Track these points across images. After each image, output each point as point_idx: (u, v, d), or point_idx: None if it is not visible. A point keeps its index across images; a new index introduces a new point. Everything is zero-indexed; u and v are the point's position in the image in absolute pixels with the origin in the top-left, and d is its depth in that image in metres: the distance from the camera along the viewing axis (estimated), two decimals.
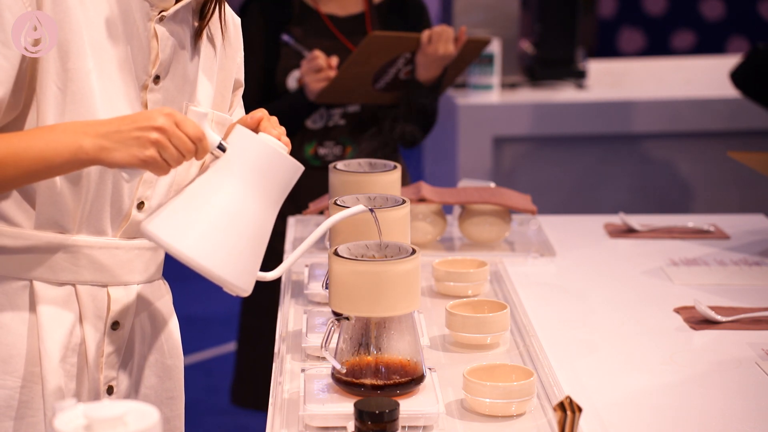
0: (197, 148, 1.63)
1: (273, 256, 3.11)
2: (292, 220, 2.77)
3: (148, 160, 1.60)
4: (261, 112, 1.74)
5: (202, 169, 1.70)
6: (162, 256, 1.86)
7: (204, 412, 4.27)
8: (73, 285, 1.76)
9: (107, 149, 1.60)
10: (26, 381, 1.74)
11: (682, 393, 1.86)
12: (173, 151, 1.61)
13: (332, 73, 3.03)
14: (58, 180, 1.69)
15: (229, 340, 4.64)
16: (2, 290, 1.73)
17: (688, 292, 2.34)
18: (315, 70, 3.02)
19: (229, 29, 1.88)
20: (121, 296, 1.79)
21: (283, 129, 1.76)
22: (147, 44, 1.75)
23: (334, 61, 3.03)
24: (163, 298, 1.90)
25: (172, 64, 1.78)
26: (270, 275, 1.74)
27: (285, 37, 3.10)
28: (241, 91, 1.94)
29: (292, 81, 3.12)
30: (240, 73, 1.92)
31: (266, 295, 3.22)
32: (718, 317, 2.16)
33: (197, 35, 1.82)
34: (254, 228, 1.67)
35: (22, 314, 1.73)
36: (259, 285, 3.53)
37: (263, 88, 3.13)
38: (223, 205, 1.65)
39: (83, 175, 1.70)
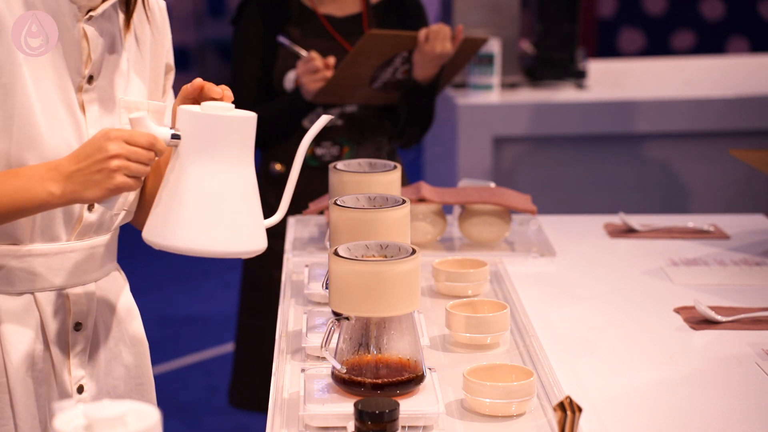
0: (155, 152, 1.67)
1: (273, 256, 3.12)
2: (292, 220, 2.77)
3: (120, 186, 1.65)
4: (198, 81, 1.75)
5: (169, 164, 1.72)
6: (116, 247, 1.90)
7: (204, 412, 4.27)
8: (32, 293, 1.79)
9: (77, 191, 1.65)
10: None
11: (682, 393, 1.86)
12: (136, 167, 1.65)
13: (329, 74, 3.03)
14: None
15: (229, 340, 4.64)
16: None
17: (688, 292, 2.34)
18: (311, 71, 3.01)
19: (155, 15, 1.91)
20: (80, 297, 1.83)
21: (224, 87, 1.76)
22: (78, 45, 1.78)
23: (332, 60, 3.03)
24: (120, 288, 1.93)
25: (104, 62, 1.81)
26: (273, 219, 1.77)
27: (281, 39, 3.10)
28: (172, 74, 1.96)
29: (289, 81, 3.11)
30: (170, 57, 1.95)
31: (264, 296, 3.23)
32: (718, 317, 2.16)
33: (125, 27, 1.84)
34: (236, 192, 1.70)
35: None
36: (259, 285, 3.52)
37: (260, 89, 3.13)
38: (199, 187, 1.69)
39: None
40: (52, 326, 1.80)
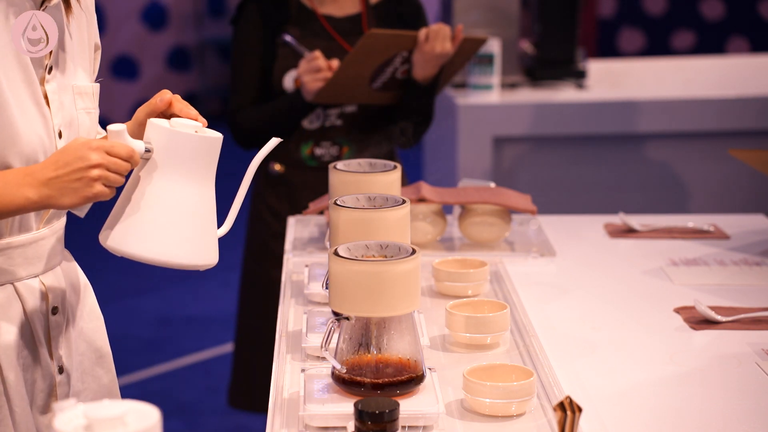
0: (132, 163, 1.72)
1: (273, 256, 3.12)
2: (292, 220, 2.77)
3: (96, 195, 1.71)
4: (169, 94, 1.81)
5: (133, 175, 1.77)
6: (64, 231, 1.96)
7: (204, 412, 4.27)
8: (12, 283, 1.84)
9: (54, 197, 1.70)
10: None
11: (682, 393, 1.87)
12: (114, 177, 1.71)
13: (330, 74, 3.03)
14: None
15: (229, 340, 4.64)
16: None
17: (688, 292, 2.34)
18: (314, 70, 3.01)
19: None
20: (52, 282, 1.90)
21: (193, 110, 1.81)
22: None
23: (335, 63, 3.03)
24: (74, 268, 2.00)
25: (59, 51, 1.85)
26: (221, 231, 1.84)
27: (287, 37, 3.10)
28: (99, 53, 1.99)
29: (288, 81, 3.11)
30: (97, 37, 1.98)
31: (264, 297, 3.23)
32: (718, 317, 2.16)
33: (66, 12, 1.87)
34: (198, 208, 1.77)
35: None
36: (258, 285, 3.52)
37: (260, 89, 3.13)
38: (163, 201, 1.74)
39: None
40: (33, 313, 1.86)
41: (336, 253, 1.74)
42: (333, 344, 1.75)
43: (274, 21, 3.13)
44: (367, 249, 1.79)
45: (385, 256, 1.78)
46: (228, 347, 4.70)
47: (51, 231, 1.89)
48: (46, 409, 1.89)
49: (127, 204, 1.76)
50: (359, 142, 3.16)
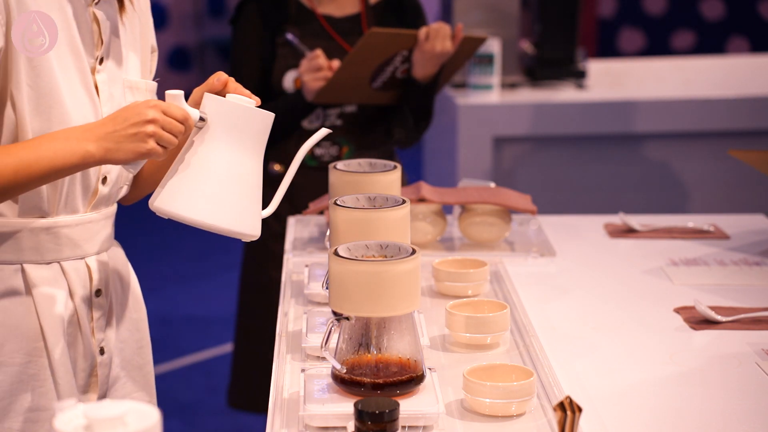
0: (185, 126, 1.78)
1: (272, 256, 3.12)
2: (291, 220, 2.77)
3: (150, 152, 1.76)
4: (225, 75, 1.87)
5: (187, 143, 1.83)
6: (114, 221, 2.03)
7: (204, 412, 4.27)
8: (59, 262, 1.92)
9: (111, 150, 1.76)
10: (31, 356, 1.89)
11: (682, 393, 1.87)
12: (168, 136, 1.77)
13: (330, 74, 3.03)
14: None
15: (229, 340, 4.64)
16: None
17: (688, 292, 2.34)
18: (315, 69, 3.01)
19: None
20: (99, 265, 1.97)
21: (247, 90, 1.88)
22: (89, 29, 1.90)
23: (335, 63, 3.03)
24: (122, 257, 2.07)
25: (111, 44, 1.94)
26: (266, 212, 1.86)
27: (289, 36, 3.10)
28: (156, 55, 2.09)
29: (288, 81, 3.11)
30: (153, 39, 2.08)
31: (263, 297, 3.23)
32: (718, 317, 2.16)
33: (120, 10, 1.97)
34: (249, 178, 1.82)
35: (19, 296, 1.89)
36: (258, 286, 3.52)
37: (259, 89, 3.13)
38: (217, 167, 1.79)
39: None
40: (78, 293, 1.93)
41: (336, 253, 1.74)
42: (333, 344, 1.75)
43: (274, 21, 3.13)
44: (367, 249, 1.79)
45: (385, 256, 1.78)
46: (228, 347, 4.70)
47: (99, 216, 1.96)
48: (86, 388, 1.97)
49: (177, 168, 1.80)
50: (359, 142, 3.16)
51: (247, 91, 1.86)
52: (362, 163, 2.25)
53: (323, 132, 1.89)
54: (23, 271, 1.89)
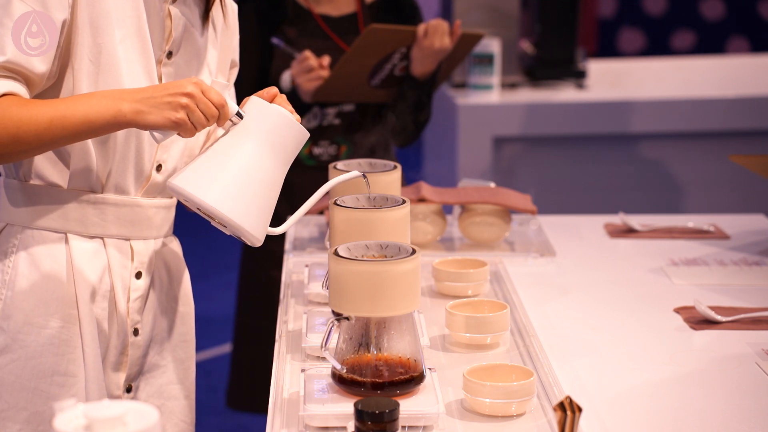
0: (220, 113, 1.83)
1: (272, 256, 3.11)
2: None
3: (178, 122, 1.80)
4: (275, 89, 1.92)
5: (217, 136, 1.88)
6: (173, 215, 2.10)
7: (204, 412, 4.26)
8: (102, 238, 1.98)
9: (143, 112, 1.80)
10: (65, 322, 1.95)
11: (682, 393, 1.86)
12: (200, 115, 1.81)
13: (324, 73, 3.03)
14: (90, 143, 1.91)
15: (228, 340, 4.64)
16: (42, 241, 1.96)
17: (688, 292, 2.34)
18: (306, 70, 3.02)
19: (228, 14, 2.12)
20: (142, 249, 2.03)
21: (291, 107, 1.93)
22: (162, 23, 1.98)
23: (326, 60, 3.03)
24: (176, 252, 2.12)
25: (183, 42, 2.01)
26: (278, 230, 1.91)
27: (274, 40, 3.11)
28: (236, 70, 2.18)
29: (285, 81, 3.11)
30: (236, 54, 2.16)
31: (262, 297, 3.22)
32: (718, 317, 2.16)
33: (204, 18, 2.05)
34: (268, 184, 1.85)
35: (60, 263, 1.96)
36: (257, 286, 3.52)
37: (256, 89, 3.12)
38: (242, 163, 1.83)
39: (110, 138, 1.93)
40: (117, 271, 1.99)
41: (336, 253, 1.74)
42: (333, 344, 1.75)
43: (270, 21, 3.13)
44: (367, 249, 1.79)
45: (385, 256, 1.78)
46: (227, 347, 4.70)
47: (150, 204, 2.01)
48: (117, 366, 2.02)
49: (203, 155, 1.84)
50: (357, 141, 3.16)
51: (291, 107, 1.90)
52: (362, 162, 2.25)
53: (354, 174, 1.96)
54: (66, 240, 1.96)
